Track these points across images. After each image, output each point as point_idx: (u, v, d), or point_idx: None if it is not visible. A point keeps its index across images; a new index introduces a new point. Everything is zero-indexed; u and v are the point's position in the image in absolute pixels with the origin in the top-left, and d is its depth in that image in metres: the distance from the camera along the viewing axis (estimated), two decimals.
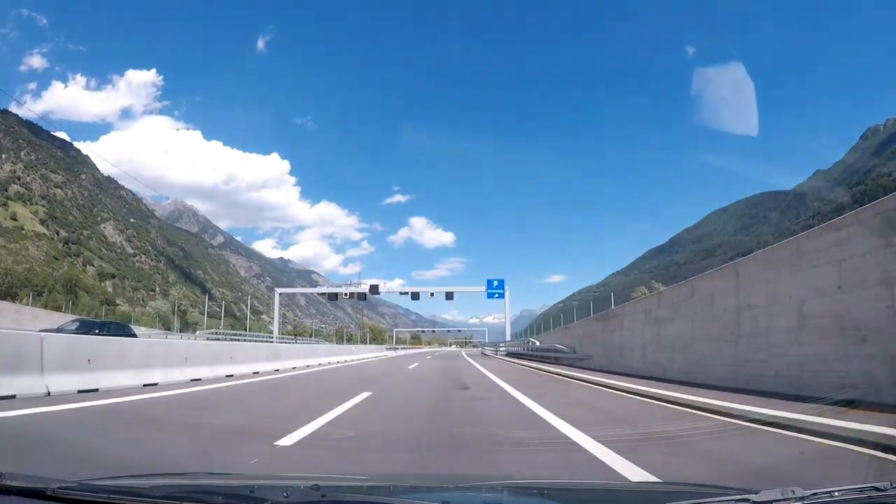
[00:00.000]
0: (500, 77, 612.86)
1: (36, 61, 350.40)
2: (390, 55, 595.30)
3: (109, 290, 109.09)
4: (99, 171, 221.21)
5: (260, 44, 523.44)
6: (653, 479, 3.40)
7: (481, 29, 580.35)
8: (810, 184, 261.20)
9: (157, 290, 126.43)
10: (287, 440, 4.57)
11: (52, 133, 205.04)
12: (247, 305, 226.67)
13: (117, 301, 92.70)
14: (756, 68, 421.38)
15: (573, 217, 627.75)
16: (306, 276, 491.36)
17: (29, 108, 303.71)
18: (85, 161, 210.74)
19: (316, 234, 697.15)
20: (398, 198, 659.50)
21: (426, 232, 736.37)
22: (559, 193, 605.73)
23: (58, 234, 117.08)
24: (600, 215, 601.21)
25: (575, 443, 4.67)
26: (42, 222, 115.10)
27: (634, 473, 3.56)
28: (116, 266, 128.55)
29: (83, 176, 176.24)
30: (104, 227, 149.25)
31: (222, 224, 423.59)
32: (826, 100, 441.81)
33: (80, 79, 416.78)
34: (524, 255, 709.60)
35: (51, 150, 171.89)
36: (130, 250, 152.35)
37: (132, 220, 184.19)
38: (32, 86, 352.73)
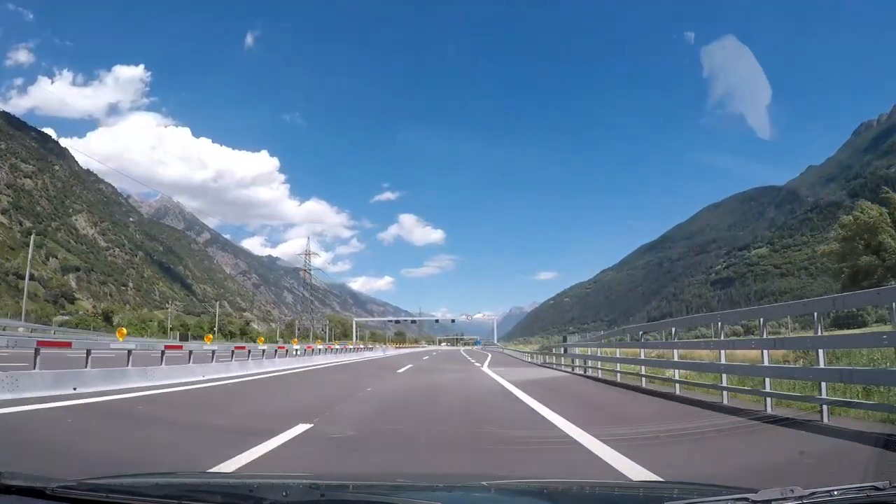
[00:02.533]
0: (489, 73, 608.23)
1: (22, 56, 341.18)
2: (379, 51, 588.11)
3: (72, 283, 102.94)
4: (77, 164, 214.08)
5: (248, 39, 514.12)
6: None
7: (473, 24, 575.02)
8: (803, 179, 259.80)
9: (131, 284, 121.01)
10: None
11: (28, 125, 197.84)
12: (229, 303, 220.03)
13: (77, 295, 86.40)
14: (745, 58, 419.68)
15: (563, 214, 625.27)
16: (294, 274, 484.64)
17: (14, 102, 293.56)
18: (63, 154, 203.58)
19: (305, 232, 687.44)
20: (387, 195, 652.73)
21: (415, 229, 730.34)
22: (549, 190, 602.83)
23: (21, 224, 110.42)
24: (590, 212, 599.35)
25: None
26: (4, 212, 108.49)
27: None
28: (84, 259, 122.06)
29: (57, 167, 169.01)
30: (76, 220, 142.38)
31: (211, 222, 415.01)
32: (818, 97, 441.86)
33: (67, 74, 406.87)
34: (514, 253, 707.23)
35: (24, 140, 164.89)
36: (103, 244, 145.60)
37: (121, 217, 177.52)
38: (18, 81, 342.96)
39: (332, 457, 4.84)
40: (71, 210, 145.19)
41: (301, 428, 5.70)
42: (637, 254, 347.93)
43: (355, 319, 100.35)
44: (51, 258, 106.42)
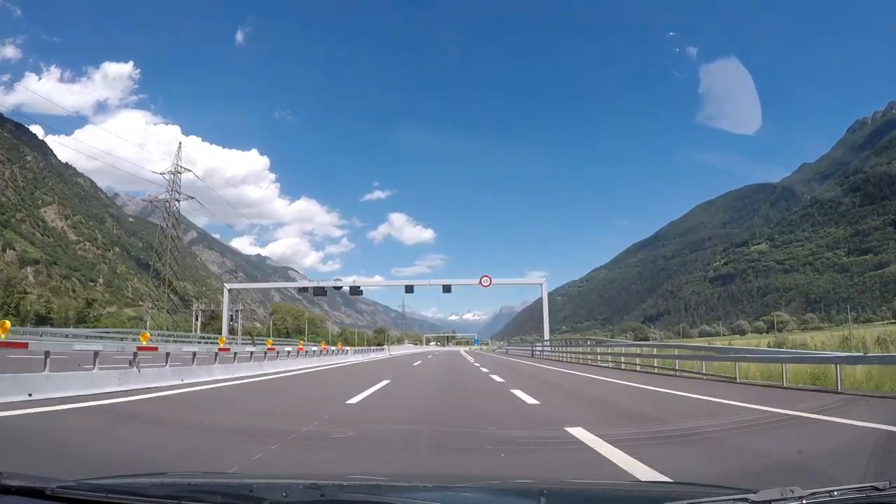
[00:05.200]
0: (483, 73, 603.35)
1: (9, 52, 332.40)
2: (371, 48, 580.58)
3: (30, 276, 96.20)
4: (55, 156, 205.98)
5: (239, 35, 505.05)
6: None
7: (468, 23, 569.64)
8: (798, 177, 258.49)
9: (102, 280, 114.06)
10: None
11: (4, 116, 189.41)
12: (211, 300, 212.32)
13: (30, 290, 79.63)
14: (744, 64, 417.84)
15: (554, 213, 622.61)
16: (283, 272, 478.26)
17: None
18: (40, 146, 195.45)
19: (295, 231, 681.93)
20: (378, 194, 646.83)
21: (406, 228, 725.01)
22: (540, 190, 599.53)
23: None
24: (581, 211, 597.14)
25: None
26: None
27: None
28: (49, 252, 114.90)
29: (29, 158, 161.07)
30: (44, 212, 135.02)
31: (200, 221, 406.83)
32: (811, 95, 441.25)
33: (55, 71, 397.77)
34: (504, 252, 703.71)
35: None
36: (73, 237, 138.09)
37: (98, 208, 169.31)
38: (6, 77, 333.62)
39: None
40: (40, 202, 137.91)
41: None
42: (629, 252, 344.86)
43: (228, 286, 55.15)
44: (8, 249, 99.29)
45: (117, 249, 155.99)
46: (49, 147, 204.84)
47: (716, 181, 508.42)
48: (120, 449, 4.98)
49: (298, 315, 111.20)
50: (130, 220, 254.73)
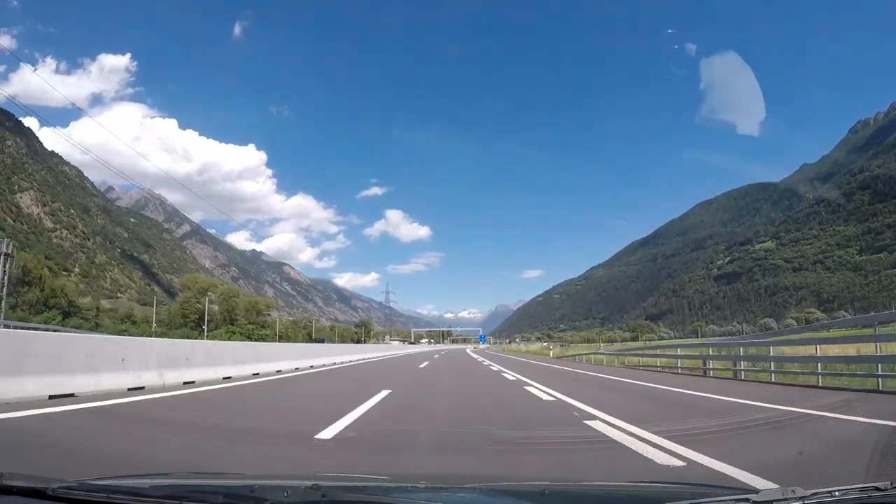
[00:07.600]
0: (483, 72, 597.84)
1: (4, 42, 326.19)
2: (371, 45, 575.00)
3: None
4: (41, 144, 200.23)
5: (237, 29, 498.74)
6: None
7: (470, 23, 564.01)
8: (799, 176, 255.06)
9: (77, 269, 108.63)
10: None
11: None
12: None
13: None
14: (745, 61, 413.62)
15: (550, 212, 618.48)
16: (277, 267, 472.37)
17: None
18: (24, 132, 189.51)
19: (291, 227, 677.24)
20: (375, 190, 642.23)
21: (402, 226, 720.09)
22: (537, 188, 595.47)
23: None
24: (578, 210, 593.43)
25: None
26: None
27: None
28: (21, 238, 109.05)
29: (10, 143, 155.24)
30: (20, 198, 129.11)
31: (195, 215, 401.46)
32: (812, 96, 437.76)
33: (50, 62, 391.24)
34: (500, 251, 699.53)
35: None
36: (50, 224, 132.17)
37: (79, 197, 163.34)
38: (1, 68, 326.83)
39: None
40: (17, 187, 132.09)
41: None
42: (628, 250, 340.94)
43: None
44: None
45: (99, 239, 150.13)
46: (35, 134, 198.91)
47: (716, 180, 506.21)
48: None
49: (230, 296, 72.21)
50: (131, 219, 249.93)
